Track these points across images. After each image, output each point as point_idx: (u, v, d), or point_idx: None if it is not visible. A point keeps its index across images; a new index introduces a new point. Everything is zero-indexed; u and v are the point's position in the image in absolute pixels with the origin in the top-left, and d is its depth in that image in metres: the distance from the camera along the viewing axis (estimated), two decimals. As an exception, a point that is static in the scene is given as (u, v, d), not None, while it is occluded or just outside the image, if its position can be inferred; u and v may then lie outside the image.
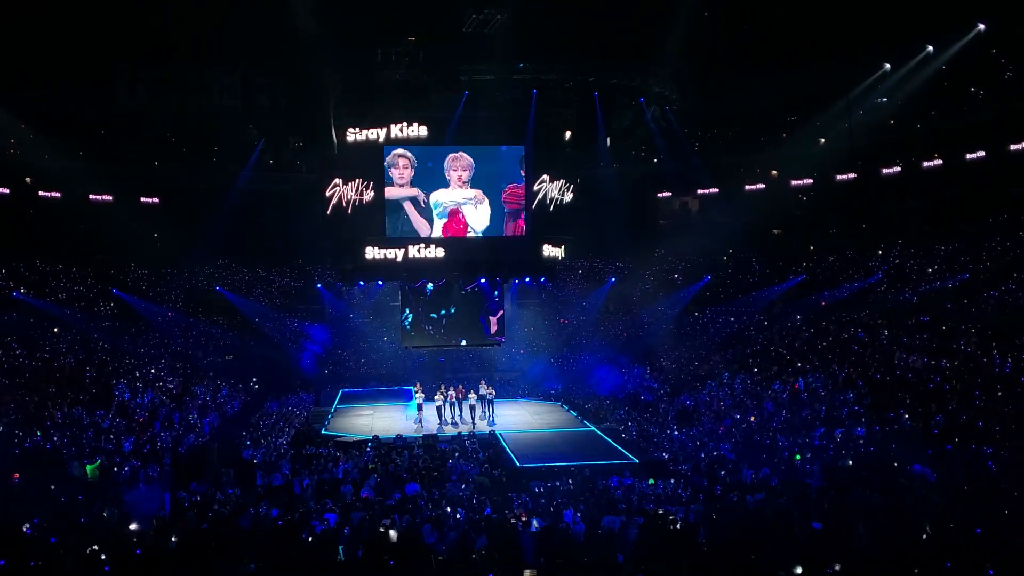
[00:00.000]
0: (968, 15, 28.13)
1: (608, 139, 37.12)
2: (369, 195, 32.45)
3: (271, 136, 36.14)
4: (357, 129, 31.97)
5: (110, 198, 33.96)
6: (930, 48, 29.74)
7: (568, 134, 35.00)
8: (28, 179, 32.61)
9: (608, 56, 34.16)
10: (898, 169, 32.35)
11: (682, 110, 37.27)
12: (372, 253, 31.84)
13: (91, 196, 33.64)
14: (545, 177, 34.35)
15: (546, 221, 34.11)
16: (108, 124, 34.18)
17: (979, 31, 28.23)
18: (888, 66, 31.17)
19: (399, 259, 31.95)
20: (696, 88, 37.28)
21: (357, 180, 32.58)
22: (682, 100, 37.41)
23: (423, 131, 32.09)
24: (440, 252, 32.17)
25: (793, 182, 35.43)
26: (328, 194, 32.64)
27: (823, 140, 35.04)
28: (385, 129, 31.82)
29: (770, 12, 30.78)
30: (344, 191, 32.55)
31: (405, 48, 32.98)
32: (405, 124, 31.92)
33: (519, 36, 31.52)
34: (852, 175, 33.52)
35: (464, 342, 34.86)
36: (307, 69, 32.36)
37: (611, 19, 30.79)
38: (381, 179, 32.22)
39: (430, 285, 33.55)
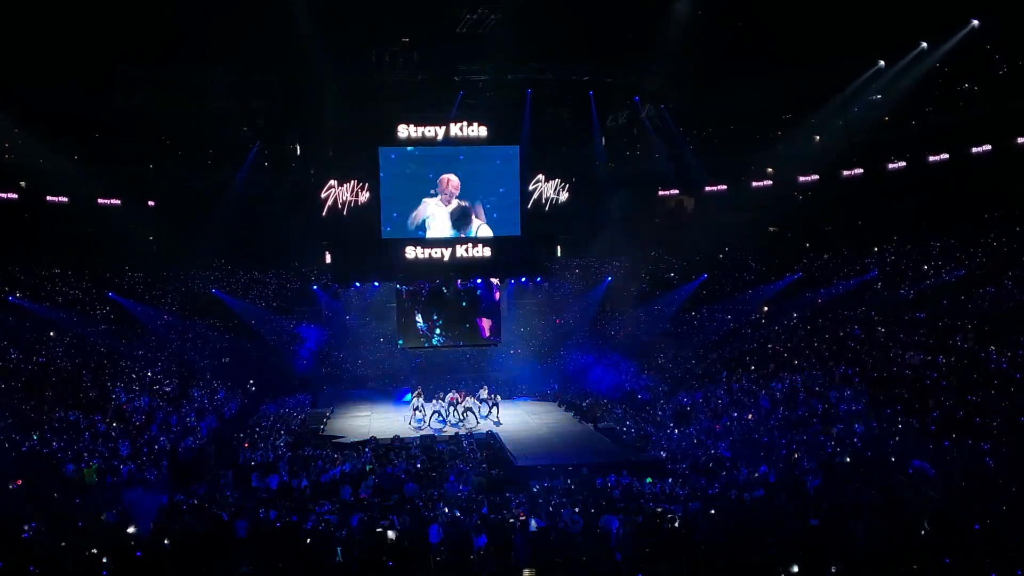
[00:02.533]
0: (962, 12, 28.15)
1: (603, 138, 37.09)
2: (364, 196, 32.54)
3: (267, 137, 36.05)
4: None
5: (118, 202, 33.89)
6: (924, 44, 29.75)
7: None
8: (23, 183, 32.44)
9: (603, 55, 34.11)
10: (903, 164, 32.22)
11: (677, 108, 37.22)
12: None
13: (100, 200, 33.57)
14: (540, 176, 34.40)
15: (541, 221, 34.15)
16: (105, 125, 33.99)
17: (973, 27, 28.24)
18: (883, 63, 31.17)
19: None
20: (691, 86, 37.24)
21: (352, 181, 32.72)
22: (677, 98, 37.36)
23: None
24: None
25: (801, 178, 35.32)
26: (323, 195, 32.69)
27: (818, 138, 34.99)
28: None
29: (764, 10, 30.77)
30: (339, 192, 32.60)
31: (400, 48, 32.93)
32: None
33: (514, 36, 31.47)
34: (860, 171, 33.35)
35: (460, 343, 34.93)
36: (303, 70, 32.28)
37: (606, 18, 30.77)
38: (376, 180, 32.36)
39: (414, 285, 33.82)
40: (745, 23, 31.60)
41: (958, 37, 28.58)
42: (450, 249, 32.55)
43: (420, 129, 32.31)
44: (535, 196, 34.12)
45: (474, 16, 30.98)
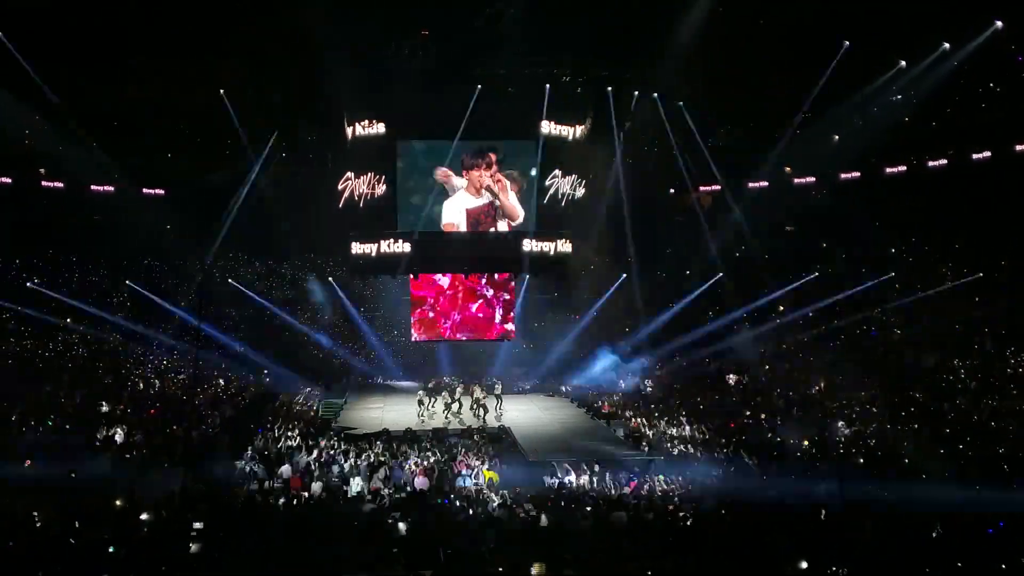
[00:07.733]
0: (985, 13, 27.86)
1: (620, 135, 36.91)
2: (381, 189, 32.57)
3: (283, 129, 36.08)
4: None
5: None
6: (946, 45, 29.46)
7: (582, 129, 34.84)
8: (42, 170, 32.68)
9: (621, 51, 33.95)
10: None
11: (696, 106, 36.96)
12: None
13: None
14: (557, 172, 34.32)
15: (557, 216, 34.11)
16: (121, 115, 34.10)
17: (996, 28, 27.93)
18: (903, 63, 30.90)
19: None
20: (710, 83, 36.96)
21: (369, 174, 32.75)
22: (696, 95, 37.09)
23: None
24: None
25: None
26: (340, 187, 32.75)
27: (837, 137, 34.76)
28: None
29: (784, 7, 30.55)
30: (356, 184, 32.64)
31: (418, 41, 32.88)
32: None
33: (532, 31, 31.39)
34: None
35: (474, 337, 34.98)
36: (319, 62, 32.27)
37: (624, 14, 30.64)
38: (393, 173, 32.42)
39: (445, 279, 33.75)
40: (766, 19, 31.37)
41: (982, 38, 28.31)
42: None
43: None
44: (551, 191, 34.08)
45: (493, 10, 30.91)
